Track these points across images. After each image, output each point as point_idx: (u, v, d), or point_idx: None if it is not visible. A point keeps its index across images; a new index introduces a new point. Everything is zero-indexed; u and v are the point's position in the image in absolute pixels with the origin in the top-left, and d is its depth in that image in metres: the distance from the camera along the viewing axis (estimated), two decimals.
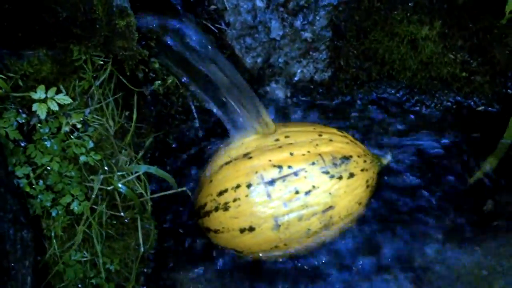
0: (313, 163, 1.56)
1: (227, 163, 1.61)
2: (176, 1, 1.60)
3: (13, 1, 1.34)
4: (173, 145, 1.82)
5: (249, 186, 1.53)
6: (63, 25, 1.40)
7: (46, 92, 1.39)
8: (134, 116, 1.58)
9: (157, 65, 1.60)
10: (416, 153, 1.81)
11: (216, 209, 1.56)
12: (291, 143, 1.61)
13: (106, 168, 1.46)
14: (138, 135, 1.66)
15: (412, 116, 1.88)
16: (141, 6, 1.50)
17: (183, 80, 1.63)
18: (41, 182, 1.41)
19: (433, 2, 1.76)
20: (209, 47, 1.58)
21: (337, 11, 1.77)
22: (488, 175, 1.74)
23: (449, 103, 1.89)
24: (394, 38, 1.80)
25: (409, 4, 1.77)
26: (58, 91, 1.42)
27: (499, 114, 1.87)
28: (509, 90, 1.86)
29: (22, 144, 1.40)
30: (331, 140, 1.63)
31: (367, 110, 1.90)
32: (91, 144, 1.44)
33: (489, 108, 1.89)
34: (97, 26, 1.40)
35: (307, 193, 1.53)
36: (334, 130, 1.69)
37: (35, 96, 1.38)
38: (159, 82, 1.62)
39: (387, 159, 1.71)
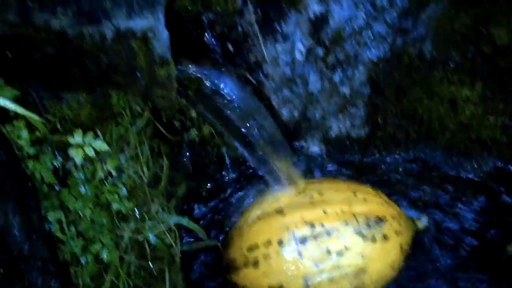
0: (347, 223, 1.53)
1: (259, 218, 1.59)
2: (216, 52, 1.61)
3: (57, 46, 1.36)
4: (206, 195, 1.81)
5: (280, 243, 1.51)
6: (104, 71, 1.41)
7: (83, 137, 1.39)
8: (167, 164, 1.58)
9: (194, 114, 1.60)
10: (452, 219, 1.77)
11: (246, 265, 1.53)
12: (325, 201, 1.59)
13: (137, 216, 1.45)
14: (171, 183, 1.66)
15: (450, 179, 1.85)
16: (182, 55, 1.51)
17: (219, 130, 1.63)
18: (72, 228, 1.40)
19: (475, 63, 1.75)
20: (247, 98, 1.58)
21: (377, 68, 1.77)
22: None
23: (488, 168, 1.86)
24: (433, 97, 1.79)
25: (450, 64, 1.75)
26: (95, 136, 1.42)
27: None
28: None
29: (57, 188, 1.40)
30: (365, 200, 1.60)
31: (403, 170, 1.87)
32: (124, 192, 1.44)
33: None
34: (138, 74, 1.42)
35: (339, 253, 1.50)
36: (369, 189, 1.66)
37: (72, 140, 1.38)
38: (195, 131, 1.63)
39: (422, 222, 1.67)
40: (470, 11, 1.71)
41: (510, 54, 1.70)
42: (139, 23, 1.37)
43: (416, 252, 1.68)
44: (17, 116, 1.34)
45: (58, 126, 1.41)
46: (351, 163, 1.87)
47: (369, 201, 1.60)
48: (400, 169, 1.88)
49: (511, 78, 1.74)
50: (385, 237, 1.54)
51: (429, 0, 1.72)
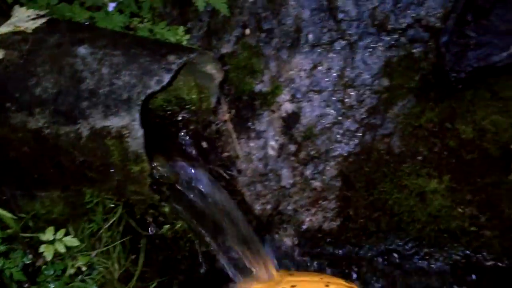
0: None
1: None
2: (190, 148, 1.66)
3: (31, 145, 1.40)
4: None
5: None
6: (79, 168, 1.45)
7: (54, 234, 1.40)
8: (141, 260, 1.58)
9: (167, 209, 1.62)
10: None
11: None
12: None
13: None
14: (142, 279, 1.65)
15: (421, 270, 1.85)
16: (155, 151, 1.55)
17: (192, 225, 1.64)
18: None
19: (442, 157, 1.80)
20: (219, 194, 1.61)
21: (347, 162, 1.81)
22: None
23: (458, 257, 1.87)
24: (403, 190, 1.83)
25: (418, 158, 1.81)
26: (67, 233, 1.43)
27: (508, 269, 1.83)
28: None
29: (25, 286, 1.39)
30: None
31: (375, 261, 1.87)
32: None
33: (499, 263, 1.85)
34: (112, 170, 1.45)
35: None
36: (342, 281, 1.66)
37: (44, 237, 1.39)
38: (168, 226, 1.64)
39: None
40: (435, 108, 1.78)
41: (475, 148, 1.76)
42: (115, 122, 1.42)
43: None
44: None
45: (30, 223, 1.42)
46: (324, 255, 1.88)
47: None
48: (372, 261, 1.88)
49: (477, 170, 1.79)
50: None
51: (396, 98, 1.80)
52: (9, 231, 1.36)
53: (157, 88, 1.45)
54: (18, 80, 1.41)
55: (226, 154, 1.75)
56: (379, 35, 1.78)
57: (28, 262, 1.39)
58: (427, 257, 1.89)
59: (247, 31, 1.81)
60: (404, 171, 1.81)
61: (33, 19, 1.47)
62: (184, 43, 1.73)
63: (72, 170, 1.44)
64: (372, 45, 1.79)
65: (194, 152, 1.65)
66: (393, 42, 1.78)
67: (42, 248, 1.37)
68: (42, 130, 1.39)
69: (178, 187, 1.57)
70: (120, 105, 1.42)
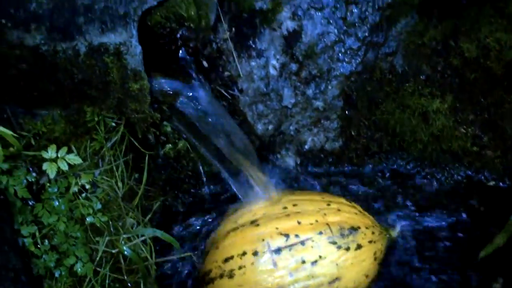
0: (321, 233, 1.54)
1: (234, 230, 1.59)
2: (190, 67, 1.63)
3: (30, 62, 1.37)
4: (182, 209, 1.81)
5: (255, 253, 1.51)
6: (78, 86, 1.43)
7: (57, 152, 1.40)
8: (144, 178, 1.59)
9: (168, 129, 1.62)
10: (425, 228, 1.78)
11: (221, 276, 1.53)
12: (299, 212, 1.60)
13: (112, 230, 1.45)
14: (146, 198, 1.66)
15: (422, 189, 1.87)
16: (155, 70, 1.53)
17: (194, 145, 1.64)
18: (46, 242, 1.40)
19: (445, 76, 1.78)
20: (221, 113, 1.60)
21: (349, 81, 1.80)
22: (498, 252, 1.70)
23: (459, 177, 1.88)
24: (405, 110, 1.82)
25: (421, 77, 1.79)
26: (69, 151, 1.43)
27: (510, 189, 1.85)
28: None
29: (30, 203, 1.40)
30: (339, 210, 1.61)
31: (376, 181, 1.89)
32: (98, 206, 1.44)
33: (500, 184, 1.87)
34: (111, 88, 1.43)
35: (314, 263, 1.51)
36: (343, 200, 1.68)
37: (46, 155, 1.39)
38: (170, 145, 1.64)
39: (395, 231, 1.69)
40: (439, 25, 1.75)
41: (479, 66, 1.74)
42: (112, 38, 1.39)
43: (390, 261, 1.69)
44: None
45: (32, 141, 1.42)
46: (325, 174, 1.89)
47: (343, 211, 1.61)
48: (374, 180, 1.90)
49: (480, 90, 1.77)
50: (359, 246, 1.55)
51: (398, 15, 1.76)
52: (11, 149, 1.35)
53: (154, 3, 1.41)
54: None
55: (227, 73, 1.73)
56: None
57: (32, 180, 1.39)
58: (429, 176, 1.90)
59: None
60: (407, 90, 1.80)
61: None
62: None
63: (71, 87, 1.43)
64: None
65: (194, 71, 1.63)
66: None
67: (45, 166, 1.36)
68: (39, 47, 1.36)
69: (179, 106, 1.56)
70: (116, 21, 1.39)
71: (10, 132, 1.31)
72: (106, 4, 1.38)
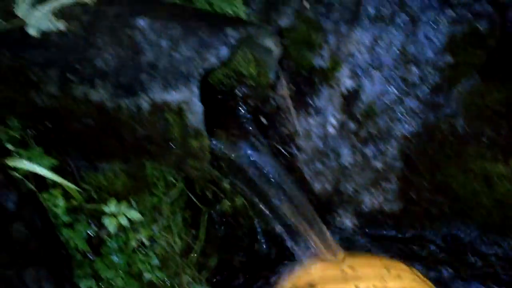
0: None
1: None
2: (249, 123, 1.64)
3: (94, 117, 1.40)
4: (238, 267, 1.78)
5: None
6: (139, 141, 1.44)
7: (117, 206, 1.40)
8: (202, 235, 1.57)
9: (226, 185, 1.61)
10: None
11: None
12: (357, 276, 1.55)
13: (169, 286, 1.43)
14: (203, 254, 1.65)
15: (486, 258, 1.79)
16: (215, 126, 1.54)
17: (251, 202, 1.62)
18: None
19: (508, 139, 1.73)
20: (278, 170, 1.59)
21: (409, 143, 1.76)
22: None
23: None
24: (467, 173, 1.77)
25: (483, 139, 1.74)
26: (129, 205, 1.43)
27: None
28: None
29: (90, 257, 1.40)
30: (399, 276, 1.56)
31: (437, 247, 1.82)
32: (156, 261, 1.43)
33: None
34: (172, 145, 1.44)
35: None
36: (403, 266, 1.63)
37: (107, 209, 1.39)
38: (228, 202, 1.63)
39: None
40: (502, 87, 1.71)
41: None
42: (174, 96, 1.41)
43: None
44: (54, 184, 1.36)
45: (94, 195, 1.43)
46: (384, 238, 1.84)
47: (403, 278, 1.56)
48: (435, 246, 1.83)
49: None
50: None
51: (460, 76, 1.73)
52: (73, 202, 1.36)
53: (217, 63, 1.43)
54: (80, 52, 1.41)
55: (285, 130, 1.73)
56: (442, 9, 1.71)
57: (92, 233, 1.40)
58: (493, 244, 1.82)
59: (306, 4, 1.76)
60: (469, 153, 1.75)
61: None
62: (242, 15, 1.71)
63: (133, 142, 1.45)
64: (435, 20, 1.72)
65: (253, 127, 1.63)
66: (457, 17, 1.70)
67: (105, 221, 1.37)
68: (104, 103, 1.39)
69: (238, 163, 1.55)
70: (179, 79, 1.41)
71: (73, 186, 1.33)
72: (169, 63, 1.41)
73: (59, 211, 1.35)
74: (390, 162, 1.78)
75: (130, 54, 1.41)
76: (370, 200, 1.82)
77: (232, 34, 1.46)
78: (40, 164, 1.35)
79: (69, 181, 1.34)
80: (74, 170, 1.45)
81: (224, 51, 1.43)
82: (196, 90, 1.41)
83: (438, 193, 1.81)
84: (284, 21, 1.77)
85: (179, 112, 1.41)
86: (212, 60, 1.42)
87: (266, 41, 1.63)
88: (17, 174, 1.30)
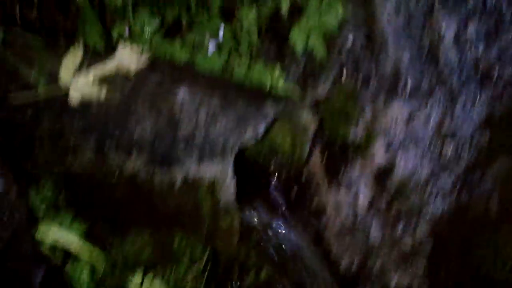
0: None
1: None
2: (280, 197, 1.64)
3: (127, 185, 1.42)
4: None
5: None
6: (171, 213, 1.45)
7: (143, 276, 1.41)
8: None
9: (253, 258, 1.60)
10: None
11: None
12: None
13: None
14: None
15: None
16: (245, 201, 1.54)
17: (275, 277, 1.62)
18: None
19: None
20: (305, 246, 1.58)
21: (441, 222, 1.73)
22: None
23: None
24: (499, 257, 1.72)
25: None
26: (155, 276, 1.44)
27: None
28: None
29: None
30: None
31: None
32: None
33: None
34: (201, 220, 1.44)
35: None
36: None
37: (133, 280, 1.40)
38: (253, 275, 1.62)
39: None
40: None
41: None
42: (208, 171, 1.41)
43: None
44: (79, 254, 1.38)
45: (120, 263, 1.44)
46: None
47: None
48: None
49: None
50: None
51: (497, 155, 1.71)
52: (98, 275, 1.37)
53: (253, 139, 1.43)
54: (119, 119, 1.43)
55: (315, 203, 1.72)
56: (482, 85, 1.69)
57: None
58: None
59: (344, 74, 1.76)
60: (503, 237, 1.71)
61: (136, 58, 1.49)
62: (280, 85, 1.71)
63: (164, 213, 1.45)
64: (474, 95, 1.70)
65: (283, 200, 1.63)
66: (497, 94, 1.68)
67: None
68: (137, 174, 1.41)
69: (265, 238, 1.55)
70: (214, 154, 1.42)
71: (100, 253, 1.34)
72: (206, 136, 1.42)
73: (84, 287, 1.36)
74: (420, 241, 1.75)
75: (168, 124, 1.43)
76: (397, 279, 1.79)
77: (270, 110, 1.47)
78: (70, 231, 1.37)
79: (97, 247, 1.35)
80: (102, 237, 1.47)
81: (261, 128, 1.44)
82: (230, 166, 1.41)
83: (468, 277, 1.77)
84: (321, 90, 1.77)
85: (211, 188, 1.42)
86: (249, 136, 1.43)
87: (301, 115, 1.64)
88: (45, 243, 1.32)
